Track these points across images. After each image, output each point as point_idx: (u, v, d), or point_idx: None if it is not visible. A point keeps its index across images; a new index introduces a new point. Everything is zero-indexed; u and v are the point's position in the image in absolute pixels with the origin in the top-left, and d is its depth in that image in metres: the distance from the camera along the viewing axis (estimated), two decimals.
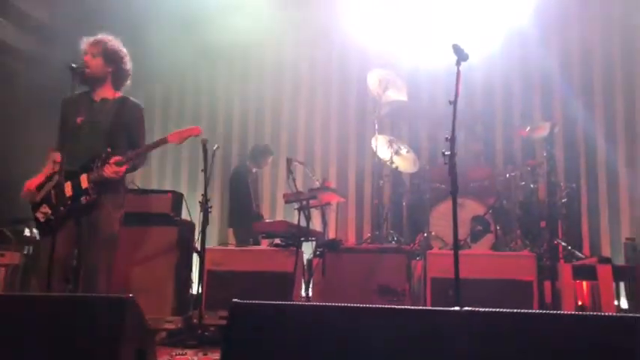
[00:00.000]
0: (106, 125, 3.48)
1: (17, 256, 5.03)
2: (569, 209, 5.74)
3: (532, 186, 5.49)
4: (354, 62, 7.10)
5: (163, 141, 3.55)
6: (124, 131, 3.55)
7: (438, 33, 6.32)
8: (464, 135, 6.31)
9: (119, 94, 3.63)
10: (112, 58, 3.52)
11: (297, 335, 1.92)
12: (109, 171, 3.33)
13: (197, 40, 6.53)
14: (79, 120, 3.32)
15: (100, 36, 3.53)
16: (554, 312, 1.89)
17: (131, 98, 3.65)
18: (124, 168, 3.39)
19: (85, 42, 3.53)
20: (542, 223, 5.33)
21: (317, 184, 5.73)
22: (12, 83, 5.98)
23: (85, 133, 3.36)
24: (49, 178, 3.47)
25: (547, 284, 4.55)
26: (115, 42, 3.56)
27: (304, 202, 4.96)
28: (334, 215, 6.37)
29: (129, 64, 3.62)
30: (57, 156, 3.47)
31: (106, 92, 3.57)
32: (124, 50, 3.59)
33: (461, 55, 3.14)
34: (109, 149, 3.41)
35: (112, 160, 3.35)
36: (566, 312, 1.97)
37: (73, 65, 3.33)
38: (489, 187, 5.73)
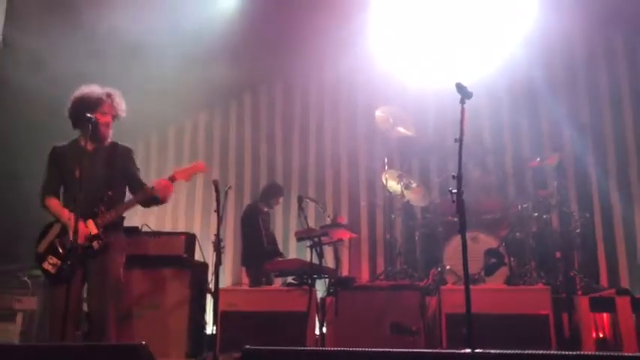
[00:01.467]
0: (103, 173, 3.57)
1: (34, 301, 5.07)
2: (584, 239, 5.69)
3: (545, 217, 5.46)
4: (361, 99, 7.20)
5: (171, 179, 3.62)
6: (121, 175, 3.66)
7: (444, 68, 6.40)
8: (473, 168, 6.34)
9: (109, 140, 3.73)
10: (117, 116, 3.66)
11: None
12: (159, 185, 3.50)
13: (208, 82, 6.67)
14: (77, 170, 3.35)
15: (117, 96, 3.64)
16: (570, 353, 1.87)
17: (120, 143, 3.76)
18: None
19: (105, 96, 3.59)
20: (557, 254, 5.29)
21: (328, 220, 5.76)
22: (17, 128, 6.05)
23: (84, 182, 3.35)
24: (48, 228, 3.52)
25: (565, 318, 4.48)
26: (122, 101, 3.68)
27: (316, 239, 4.97)
28: (347, 251, 6.36)
29: None
30: (58, 204, 3.53)
31: (103, 140, 3.67)
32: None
33: (464, 94, 3.20)
34: (109, 193, 3.51)
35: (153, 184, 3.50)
36: (582, 353, 1.94)
37: (91, 117, 3.43)
38: (502, 219, 5.71)
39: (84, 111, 3.50)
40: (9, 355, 2.42)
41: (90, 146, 3.56)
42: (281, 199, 6.52)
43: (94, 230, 3.42)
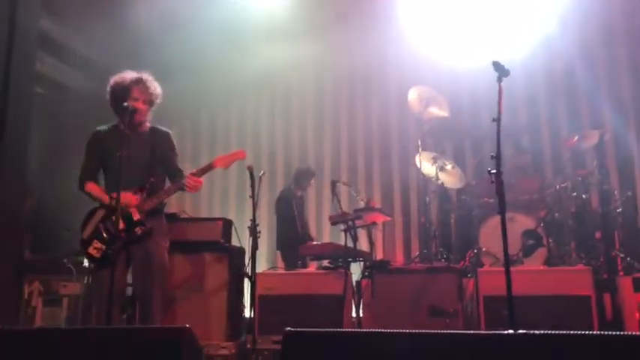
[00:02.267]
0: (144, 158, 3.62)
1: (78, 287, 5.23)
2: (625, 218, 5.53)
3: (584, 196, 5.34)
4: (393, 81, 7.12)
5: (210, 166, 3.67)
6: (160, 160, 3.70)
7: (477, 47, 6.27)
8: (510, 147, 6.22)
9: (147, 125, 3.77)
10: (154, 103, 3.68)
11: None
12: (191, 181, 3.52)
13: (240, 70, 6.71)
14: (119, 154, 3.33)
15: (149, 81, 3.63)
16: (614, 333, 1.83)
17: (159, 127, 3.79)
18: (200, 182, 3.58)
19: (132, 82, 3.59)
20: (598, 235, 5.18)
21: (362, 204, 5.75)
22: (64, 121, 6.22)
23: (126, 167, 3.37)
24: (91, 214, 3.60)
25: (607, 299, 4.39)
26: (158, 87, 3.69)
27: (350, 223, 4.97)
28: (381, 235, 6.35)
29: None
30: (98, 189, 3.60)
31: (138, 126, 3.71)
32: (161, 93, 3.72)
33: (502, 72, 3.13)
34: (152, 179, 3.57)
35: (188, 176, 3.54)
36: (628, 333, 1.90)
37: (127, 105, 3.47)
38: (539, 199, 5.60)
39: (118, 100, 3.56)
40: (57, 338, 2.51)
41: (129, 131, 3.61)
42: (313, 181, 6.54)
43: (136, 216, 3.49)
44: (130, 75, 3.63)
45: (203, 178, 3.65)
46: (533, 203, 5.59)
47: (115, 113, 3.68)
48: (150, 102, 3.64)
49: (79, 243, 3.69)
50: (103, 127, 3.73)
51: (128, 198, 3.45)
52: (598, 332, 1.84)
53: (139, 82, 3.60)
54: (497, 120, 3.01)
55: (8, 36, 4.16)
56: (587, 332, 1.90)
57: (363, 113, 7.36)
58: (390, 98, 7.15)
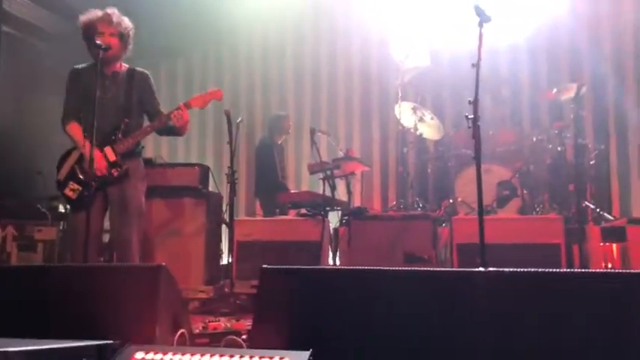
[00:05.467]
0: (121, 98, 3.56)
1: (54, 232, 5.21)
2: (598, 171, 5.66)
3: (559, 149, 5.42)
4: (374, 29, 7.01)
5: (187, 106, 3.60)
6: (138, 102, 3.63)
7: None
8: (489, 99, 6.22)
9: (125, 65, 3.70)
10: (126, 38, 3.57)
11: (324, 298, 1.97)
12: (176, 115, 3.45)
13: (218, 13, 6.54)
14: (95, 94, 3.30)
15: (113, 14, 3.52)
16: (577, 270, 1.90)
17: (137, 68, 3.70)
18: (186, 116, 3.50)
19: (96, 18, 3.50)
20: (571, 186, 5.27)
21: (341, 153, 5.76)
22: (37, 63, 6.03)
23: (102, 107, 3.36)
24: (67, 155, 3.55)
25: (575, 248, 4.52)
26: (126, 21, 3.58)
27: (328, 172, 5.01)
28: (359, 184, 6.39)
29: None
30: (78, 130, 3.53)
31: (115, 66, 3.63)
32: (132, 26, 3.62)
33: (483, 17, 3.10)
34: (126, 120, 3.51)
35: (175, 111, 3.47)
36: (590, 270, 1.96)
37: (100, 43, 3.38)
38: (516, 151, 5.67)
39: (89, 40, 3.48)
40: (36, 275, 2.51)
41: (108, 71, 3.55)
42: (289, 121, 6.47)
43: (112, 157, 3.45)
44: (94, 12, 3.53)
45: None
46: (509, 155, 5.66)
47: (90, 55, 3.59)
48: (119, 35, 3.53)
49: (52, 187, 3.66)
50: (81, 66, 3.65)
51: (98, 157, 3.38)
52: (562, 270, 1.90)
53: (103, 16, 3.51)
54: (477, 66, 3.00)
55: None
56: (554, 270, 1.96)
57: (344, 62, 7.26)
58: (370, 48, 7.05)
